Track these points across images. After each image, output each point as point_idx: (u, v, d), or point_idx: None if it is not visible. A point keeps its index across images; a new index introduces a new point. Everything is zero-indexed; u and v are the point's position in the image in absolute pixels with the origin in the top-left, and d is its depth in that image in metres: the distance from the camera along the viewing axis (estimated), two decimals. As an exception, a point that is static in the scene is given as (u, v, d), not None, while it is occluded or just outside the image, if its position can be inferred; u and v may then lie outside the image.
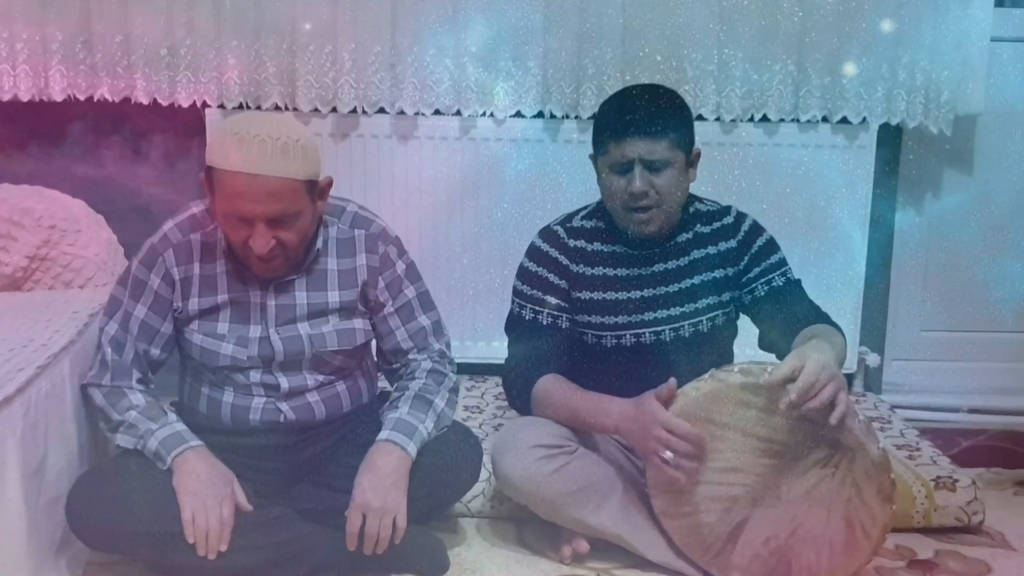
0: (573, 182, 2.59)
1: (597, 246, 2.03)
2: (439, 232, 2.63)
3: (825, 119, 2.59)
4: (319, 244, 1.87)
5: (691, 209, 2.04)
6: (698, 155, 1.97)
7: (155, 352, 1.88)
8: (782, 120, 2.59)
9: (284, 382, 1.88)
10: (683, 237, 2.02)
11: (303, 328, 1.88)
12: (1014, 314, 2.81)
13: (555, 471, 1.88)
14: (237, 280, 1.86)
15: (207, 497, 1.73)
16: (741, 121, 2.59)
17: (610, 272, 2.01)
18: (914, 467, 2.24)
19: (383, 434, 1.83)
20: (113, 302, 1.89)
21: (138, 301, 1.86)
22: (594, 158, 2.00)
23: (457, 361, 2.03)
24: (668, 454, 1.76)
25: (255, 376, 1.87)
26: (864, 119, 2.58)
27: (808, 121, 2.58)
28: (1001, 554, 2.08)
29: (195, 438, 1.81)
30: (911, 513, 2.13)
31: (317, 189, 1.79)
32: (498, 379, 2.23)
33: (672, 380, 1.80)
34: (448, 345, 2.01)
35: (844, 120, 2.58)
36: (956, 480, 2.18)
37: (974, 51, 2.54)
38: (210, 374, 1.90)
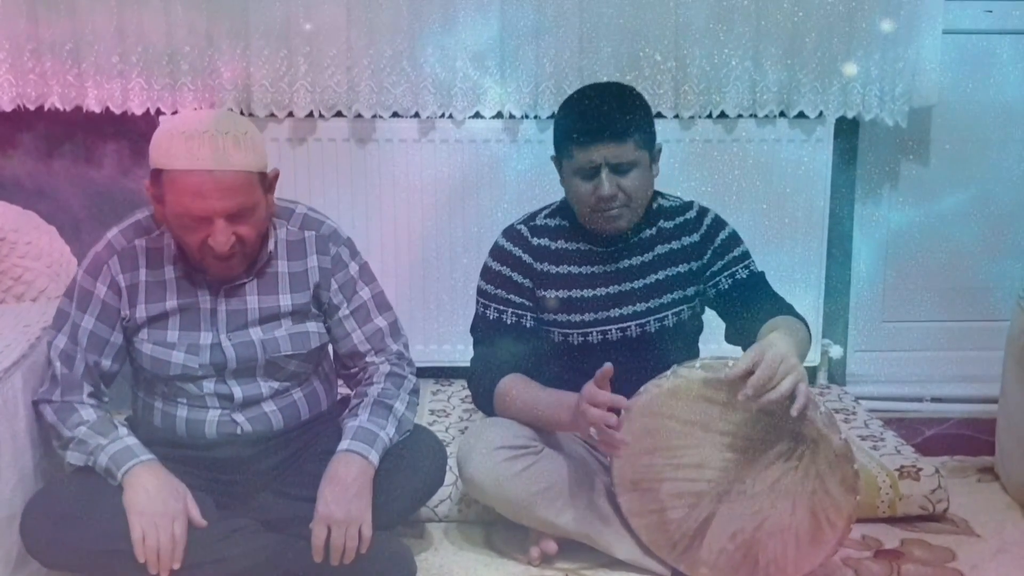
0: (534, 182, 2.58)
1: (561, 244, 2.02)
2: (400, 234, 2.61)
3: (782, 113, 2.61)
4: (271, 246, 1.84)
5: (654, 205, 2.03)
6: (659, 150, 1.98)
7: (106, 363, 1.84)
8: (740, 116, 2.60)
9: (238, 391, 1.84)
10: (647, 233, 2.02)
11: (255, 333, 1.84)
12: (974, 302, 2.84)
13: (520, 472, 1.87)
14: (186, 286, 1.82)
15: (156, 515, 1.69)
16: (699, 117, 2.59)
17: (575, 270, 2.01)
18: (878, 457, 2.25)
19: (343, 444, 1.79)
20: (60, 315, 1.85)
21: (85, 312, 1.81)
22: (556, 160, 1.99)
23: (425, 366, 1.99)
24: (593, 431, 1.75)
25: (208, 386, 1.83)
26: (820, 113, 2.59)
27: (765, 116, 2.60)
28: (965, 541, 2.10)
29: (146, 452, 1.77)
30: (876, 503, 2.14)
31: (267, 181, 1.77)
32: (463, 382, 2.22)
33: (607, 364, 1.76)
34: (406, 346, 1.98)
35: (801, 114, 2.60)
36: (920, 469, 2.19)
37: (927, 44, 2.56)
38: (163, 386, 1.85)
